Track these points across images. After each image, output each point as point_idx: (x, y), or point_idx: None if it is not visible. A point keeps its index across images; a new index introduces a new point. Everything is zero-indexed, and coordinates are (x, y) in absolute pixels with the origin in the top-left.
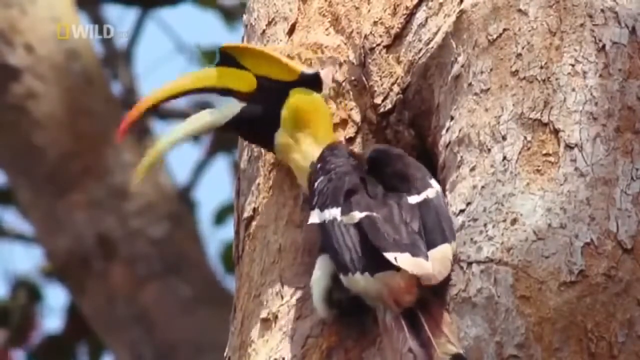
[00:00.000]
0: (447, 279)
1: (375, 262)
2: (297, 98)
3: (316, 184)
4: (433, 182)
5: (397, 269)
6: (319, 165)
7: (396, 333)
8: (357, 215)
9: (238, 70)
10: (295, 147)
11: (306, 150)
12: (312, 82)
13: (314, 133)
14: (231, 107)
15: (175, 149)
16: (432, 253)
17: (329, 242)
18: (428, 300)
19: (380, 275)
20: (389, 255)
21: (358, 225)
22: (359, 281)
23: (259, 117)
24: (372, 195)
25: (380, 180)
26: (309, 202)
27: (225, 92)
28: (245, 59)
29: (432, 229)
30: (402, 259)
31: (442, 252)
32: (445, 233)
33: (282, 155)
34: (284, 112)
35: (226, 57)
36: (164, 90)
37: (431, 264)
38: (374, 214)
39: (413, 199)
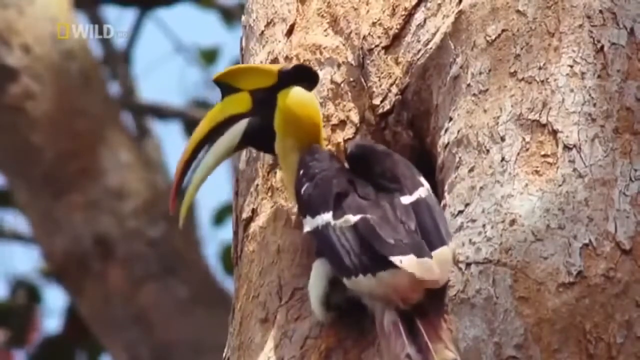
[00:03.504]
0: (446, 282)
1: (376, 262)
2: (282, 102)
3: (302, 191)
4: (422, 180)
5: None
6: (301, 172)
7: (394, 338)
8: (352, 218)
9: (235, 94)
10: (285, 154)
11: (291, 159)
12: (298, 77)
13: (299, 140)
14: (239, 125)
15: (175, 149)
16: (433, 255)
17: (326, 247)
18: (426, 305)
19: (383, 274)
20: (394, 259)
21: (354, 228)
22: (363, 283)
23: (260, 128)
24: (363, 196)
25: (369, 180)
26: (298, 210)
27: (232, 120)
28: (236, 80)
29: (429, 230)
30: (407, 262)
31: (442, 255)
32: (443, 235)
33: (282, 160)
34: (275, 117)
35: (223, 86)
36: (186, 153)
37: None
38: (368, 215)
39: (406, 199)
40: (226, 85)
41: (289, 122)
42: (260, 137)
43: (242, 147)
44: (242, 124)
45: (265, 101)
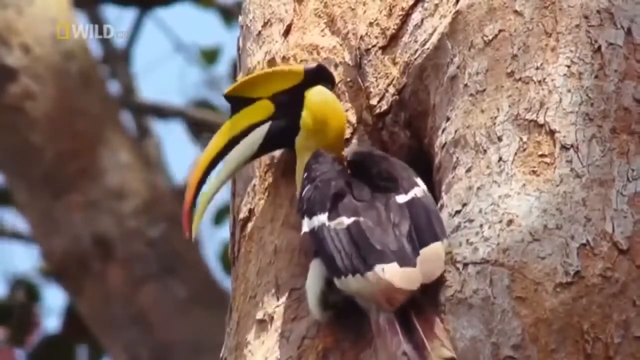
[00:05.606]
0: (440, 280)
1: (364, 263)
2: (312, 101)
3: (303, 193)
4: (419, 180)
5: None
6: (305, 175)
7: (390, 336)
8: (345, 221)
9: (253, 105)
10: (305, 152)
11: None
12: (320, 76)
13: (323, 139)
14: (259, 131)
15: (175, 149)
16: (423, 252)
17: (321, 248)
18: (421, 303)
19: (369, 274)
20: (377, 268)
21: (347, 230)
22: (352, 283)
23: (284, 129)
24: (359, 197)
25: (367, 182)
26: (297, 210)
27: (252, 129)
28: (251, 91)
29: (423, 228)
30: (389, 270)
31: (434, 251)
32: (437, 231)
33: (300, 158)
34: (303, 114)
35: (235, 101)
36: (199, 169)
37: (420, 267)
38: (362, 219)
39: (401, 199)
40: (239, 99)
41: (317, 120)
42: (283, 136)
43: (262, 152)
44: (264, 129)
45: (289, 102)
